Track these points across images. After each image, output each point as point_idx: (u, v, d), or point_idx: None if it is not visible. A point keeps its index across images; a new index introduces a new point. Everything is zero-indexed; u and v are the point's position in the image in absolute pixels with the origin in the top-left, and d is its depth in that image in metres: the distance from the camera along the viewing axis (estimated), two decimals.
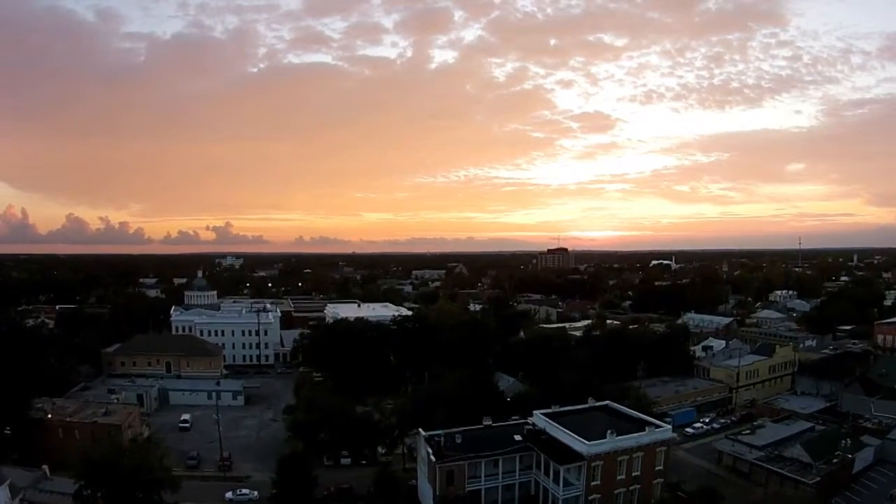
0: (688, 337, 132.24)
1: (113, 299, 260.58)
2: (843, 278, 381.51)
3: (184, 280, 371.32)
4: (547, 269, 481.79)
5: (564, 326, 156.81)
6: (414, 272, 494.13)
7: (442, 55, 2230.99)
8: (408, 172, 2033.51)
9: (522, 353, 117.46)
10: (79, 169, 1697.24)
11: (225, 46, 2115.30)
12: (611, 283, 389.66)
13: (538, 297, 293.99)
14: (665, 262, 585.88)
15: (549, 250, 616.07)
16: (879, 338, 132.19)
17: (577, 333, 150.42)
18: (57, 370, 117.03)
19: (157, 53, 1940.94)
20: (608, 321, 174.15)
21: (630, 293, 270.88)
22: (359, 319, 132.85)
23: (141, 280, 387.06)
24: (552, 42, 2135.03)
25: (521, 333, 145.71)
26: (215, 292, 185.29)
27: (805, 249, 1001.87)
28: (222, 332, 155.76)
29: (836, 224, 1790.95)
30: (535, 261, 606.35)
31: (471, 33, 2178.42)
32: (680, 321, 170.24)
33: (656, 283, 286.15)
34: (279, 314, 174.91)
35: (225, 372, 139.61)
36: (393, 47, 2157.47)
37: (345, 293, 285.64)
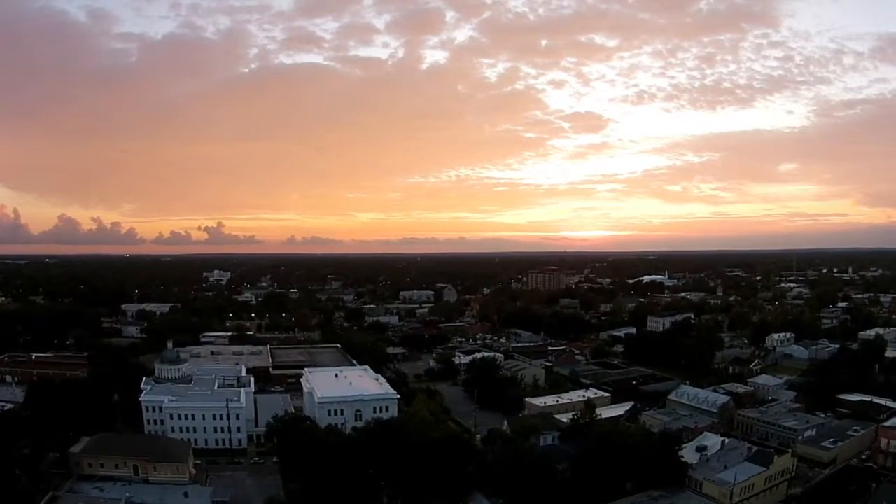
0: (680, 441, 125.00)
1: (91, 343, 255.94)
2: (841, 304, 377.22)
3: (167, 308, 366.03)
4: (537, 292, 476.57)
5: (551, 413, 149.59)
6: (402, 293, 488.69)
7: (433, 55, 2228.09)
8: (399, 172, 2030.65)
9: (501, 467, 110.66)
10: (71, 169, 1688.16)
11: (217, 47, 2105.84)
12: (602, 309, 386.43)
13: (527, 335, 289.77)
14: (658, 277, 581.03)
15: (542, 269, 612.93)
16: (883, 442, 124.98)
17: (565, 419, 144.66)
18: (25, 485, 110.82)
19: (148, 54, 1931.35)
20: (596, 395, 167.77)
21: (622, 336, 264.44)
22: (329, 429, 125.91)
23: (123, 307, 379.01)
24: (544, 42, 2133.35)
25: (505, 424, 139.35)
26: (187, 364, 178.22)
27: (798, 250, 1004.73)
28: (192, 416, 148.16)
29: (829, 224, 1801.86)
30: (524, 279, 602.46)
31: (462, 34, 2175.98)
32: (673, 396, 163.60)
33: (649, 329, 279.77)
34: (252, 388, 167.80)
35: (194, 470, 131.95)
36: (384, 48, 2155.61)
37: (329, 333, 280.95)
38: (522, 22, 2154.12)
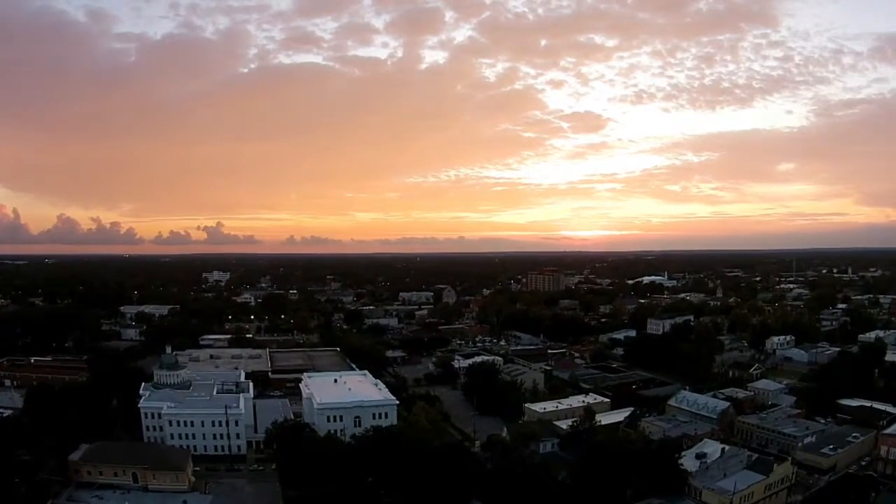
0: (680, 448, 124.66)
1: (89, 346, 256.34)
2: (841, 305, 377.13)
3: (166, 311, 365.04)
4: (537, 293, 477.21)
5: (550, 420, 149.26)
6: (401, 294, 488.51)
7: (432, 55, 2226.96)
8: (398, 172, 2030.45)
9: (501, 475, 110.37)
10: (70, 169, 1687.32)
11: (216, 47, 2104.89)
12: (602, 311, 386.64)
13: (527, 338, 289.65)
14: (657, 278, 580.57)
15: (541, 270, 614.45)
16: (883, 449, 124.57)
17: (565, 426, 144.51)
18: (24, 493, 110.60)
19: (147, 54, 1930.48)
20: (595, 401, 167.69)
21: (622, 338, 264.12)
22: (329, 436, 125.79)
23: (122, 309, 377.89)
24: (543, 42, 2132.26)
25: (505, 431, 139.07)
26: (186, 369, 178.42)
27: (797, 250, 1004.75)
28: (191, 422, 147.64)
29: (827, 223, 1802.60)
30: (524, 279, 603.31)
31: (461, 34, 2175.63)
32: (673, 402, 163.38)
33: (649, 332, 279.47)
34: (251, 394, 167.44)
35: (193, 477, 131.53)
36: (384, 48, 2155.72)
37: (328, 336, 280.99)
38: (521, 22, 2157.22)
